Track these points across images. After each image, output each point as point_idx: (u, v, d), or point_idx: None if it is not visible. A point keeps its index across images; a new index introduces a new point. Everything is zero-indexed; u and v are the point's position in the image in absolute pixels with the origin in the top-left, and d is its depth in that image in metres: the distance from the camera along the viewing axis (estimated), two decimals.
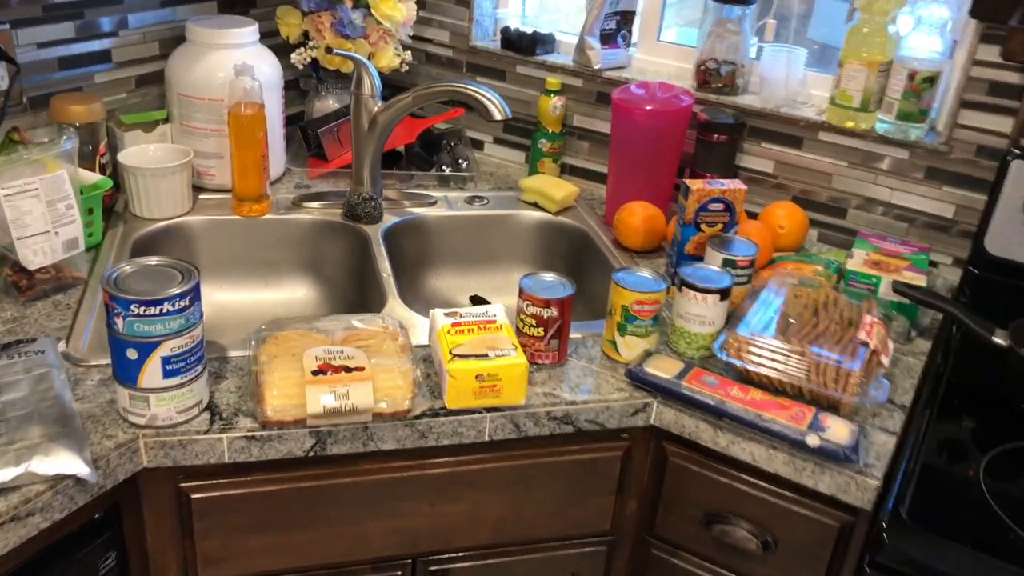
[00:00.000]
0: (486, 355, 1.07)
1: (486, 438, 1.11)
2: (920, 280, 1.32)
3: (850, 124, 1.50)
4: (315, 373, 1.02)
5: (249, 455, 1.04)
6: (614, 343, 1.20)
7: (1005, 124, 1.39)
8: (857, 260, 1.37)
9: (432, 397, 1.09)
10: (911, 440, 1.10)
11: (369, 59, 1.68)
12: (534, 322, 1.15)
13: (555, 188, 1.67)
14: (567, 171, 1.82)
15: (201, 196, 1.57)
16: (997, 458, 1.09)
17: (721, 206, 1.34)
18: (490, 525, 1.19)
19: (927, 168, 1.48)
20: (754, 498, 1.14)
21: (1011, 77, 1.37)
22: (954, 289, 1.44)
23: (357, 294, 1.52)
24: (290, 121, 1.83)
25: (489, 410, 1.09)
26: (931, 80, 1.42)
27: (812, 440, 1.05)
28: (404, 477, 1.12)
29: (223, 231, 1.53)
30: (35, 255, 1.18)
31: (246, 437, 1.03)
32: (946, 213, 1.49)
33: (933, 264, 1.51)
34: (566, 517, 1.22)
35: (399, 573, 1.19)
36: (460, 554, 1.20)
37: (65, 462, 0.92)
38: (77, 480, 0.93)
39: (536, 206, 1.68)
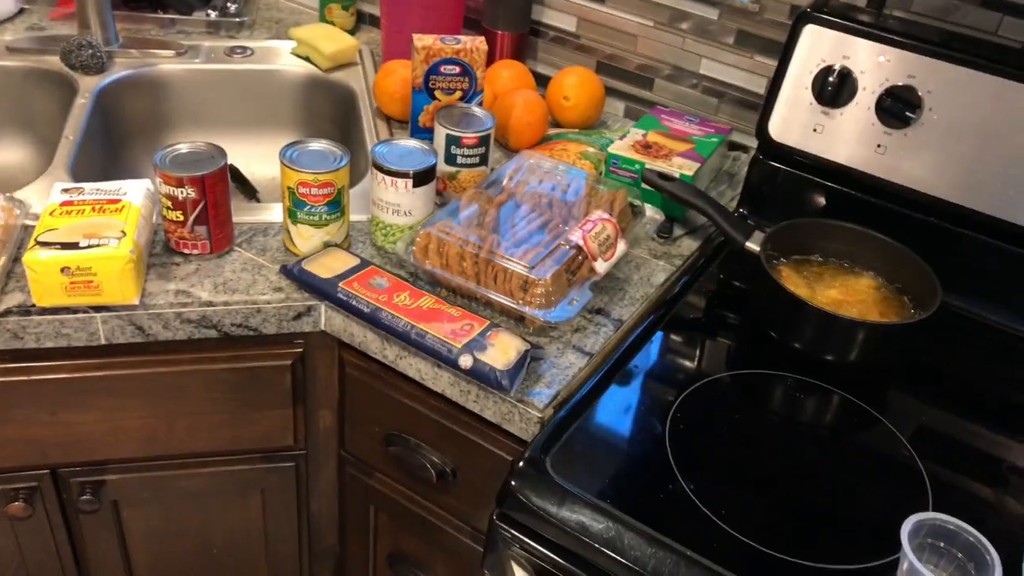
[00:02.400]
0: (76, 244, 0.87)
1: (103, 341, 0.93)
2: (691, 168, 1.10)
3: None
4: None
5: None
6: (288, 232, 1.00)
7: None
8: (626, 142, 1.15)
9: (25, 291, 0.90)
10: (605, 366, 0.92)
11: None
12: (170, 203, 0.95)
13: (328, 40, 1.42)
14: (365, 21, 1.57)
15: None
16: (697, 392, 0.91)
17: (456, 69, 1.11)
18: (137, 437, 1.03)
19: (737, 32, 1.23)
20: (431, 420, 0.97)
21: None
22: None
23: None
24: None
25: (98, 309, 0.91)
26: None
27: (464, 360, 0.86)
28: (8, 382, 0.95)
29: None
30: None
31: None
32: (758, 88, 1.25)
33: (740, 148, 1.29)
34: (234, 430, 1.05)
35: (34, 484, 1.03)
36: (110, 466, 1.05)
37: None
38: None
39: (309, 60, 1.44)
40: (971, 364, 1.00)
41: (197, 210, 0.95)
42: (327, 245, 1.00)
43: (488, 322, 0.91)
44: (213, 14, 1.50)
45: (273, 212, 1.08)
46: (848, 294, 1.00)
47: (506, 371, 0.85)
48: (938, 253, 0.99)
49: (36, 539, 1.08)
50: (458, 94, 1.13)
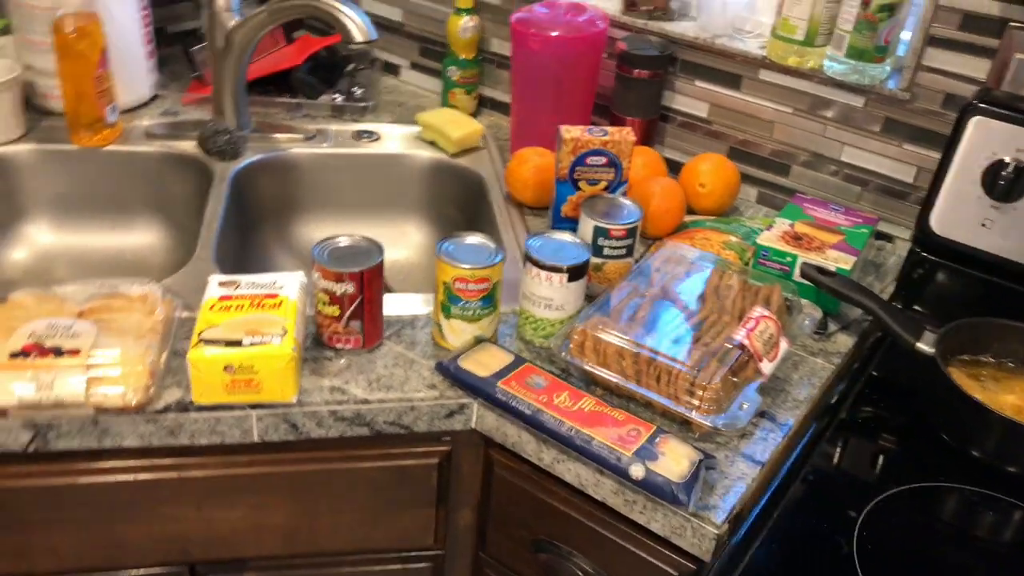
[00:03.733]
0: (240, 342, 0.86)
1: (255, 439, 0.91)
2: (847, 262, 1.06)
3: (793, 61, 1.22)
4: (15, 355, 0.83)
5: None
6: (439, 327, 0.98)
7: (979, 67, 1.09)
8: (774, 233, 1.11)
9: (184, 388, 0.89)
10: (780, 474, 0.87)
11: None
12: (327, 299, 0.94)
13: (454, 125, 1.43)
14: (486, 105, 1.58)
15: (45, 121, 1.38)
16: (879, 509, 0.85)
17: (603, 160, 1.09)
18: (278, 534, 1.00)
19: (885, 120, 1.19)
20: (586, 528, 0.93)
21: (990, 7, 1.07)
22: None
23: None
24: (177, 39, 1.61)
25: (255, 407, 0.89)
26: (890, 8, 1.12)
27: (636, 471, 0.82)
28: (161, 479, 0.94)
29: (56, 163, 1.33)
30: None
31: None
32: (905, 176, 1.21)
33: (887, 238, 1.24)
34: (376, 529, 1.02)
35: None
36: (249, 562, 1.02)
37: None
38: None
39: (434, 145, 1.45)
40: None
41: (354, 305, 0.93)
42: (478, 340, 0.97)
43: (654, 427, 0.86)
44: (339, 98, 1.52)
45: (414, 303, 1.06)
46: None
47: (682, 484, 0.80)
48: None
49: None
50: (603, 184, 1.11)
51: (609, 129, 1.09)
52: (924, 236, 1.07)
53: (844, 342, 1.06)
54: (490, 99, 1.57)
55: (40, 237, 1.35)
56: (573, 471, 0.89)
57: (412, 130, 1.48)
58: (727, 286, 1.02)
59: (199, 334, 0.87)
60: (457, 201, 1.42)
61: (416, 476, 0.99)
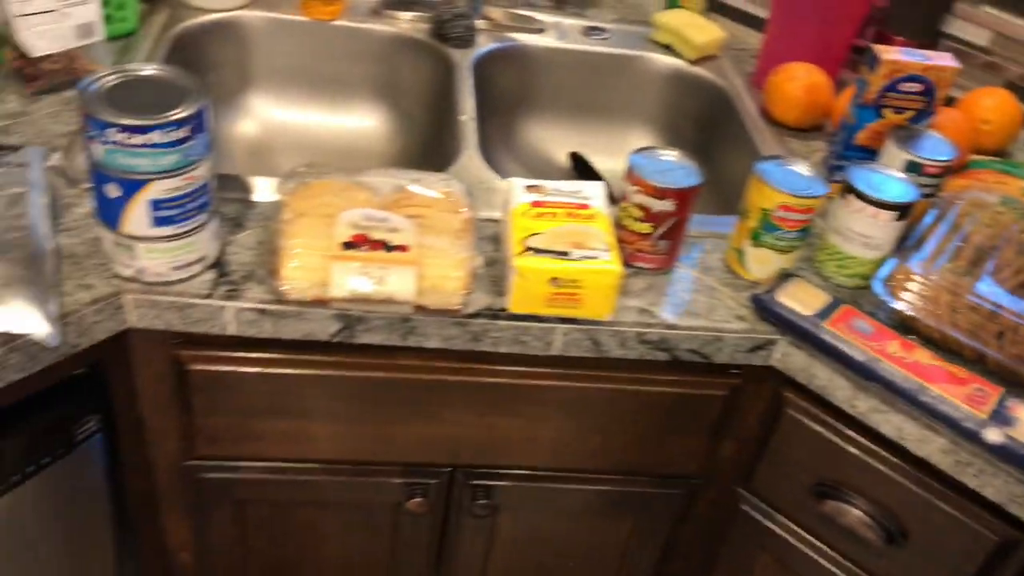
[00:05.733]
0: (567, 253, 0.81)
1: (554, 352, 0.87)
2: None
3: None
4: (346, 246, 0.79)
5: (260, 330, 0.83)
6: (741, 254, 0.92)
7: None
8: None
9: (494, 293, 0.85)
10: None
11: None
12: (641, 214, 0.88)
13: (696, 30, 1.33)
14: (715, 9, 1.47)
15: None
16: None
17: (918, 87, 1.00)
18: (547, 447, 0.97)
19: None
20: (887, 478, 0.88)
21: None
22: None
23: (434, 135, 1.25)
24: None
25: (563, 320, 0.85)
26: None
27: (993, 435, 0.77)
28: (450, 381, 0.91)
29: (286, 34, 1.27)
30: (39, 39, 0.96)
31: (257, 310, 0.82)
32: None
33: None
34: (642, 453, 0.99)
35: (430, 482, 1.00)
36: (508, 471, 1.00)
37: (19, 317, 0.72)
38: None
39: (669, 49, 1.35)
40: None
41: (668, 224, 0.87)
42: (784, 275, 0.91)
43: (1001, 389, 0.81)
44: None
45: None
46: None
47: None
48: None
49: (416, 533, 1.04)
50: (909, 114, 1.02)
51: (930, 54, 1.00)
52: None
53: None
54: (720, 3, 1.46)
55: (264, 110, 1.30)
56: (894, 423, 0.84)
57: (639, 30, 1.38)
58: None
59: (522, 241, 0.82)
60: (693, 114, 1.33)
61: (698, 405, 0.95)
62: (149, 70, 0.76)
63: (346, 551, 1.07)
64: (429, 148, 1.25)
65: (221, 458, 0.94)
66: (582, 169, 1.33)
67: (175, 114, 0.71)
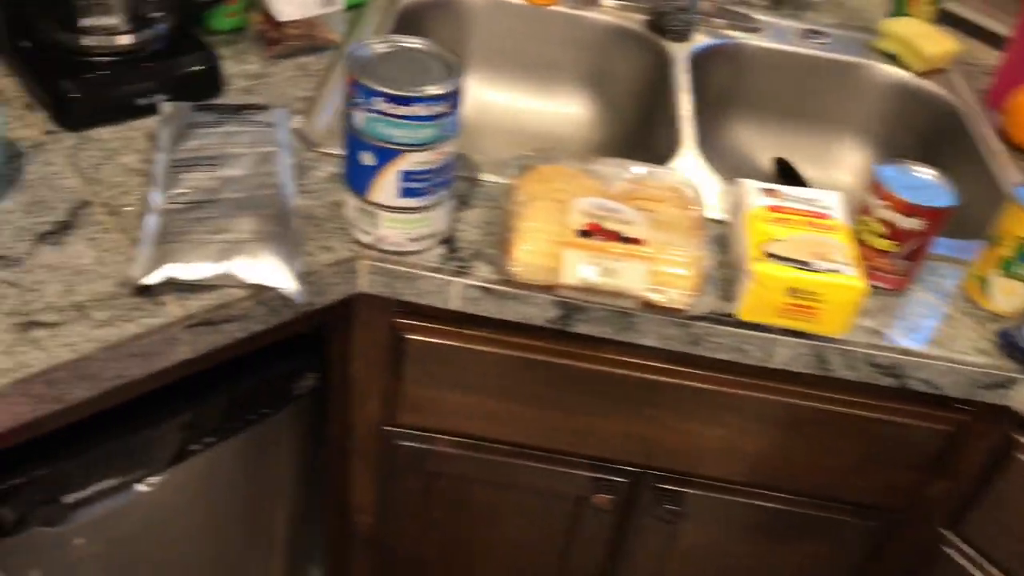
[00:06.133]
0: (808, 264, 0.77)
1: (775, 364, 0.84)
2: None
3: None
4: (581, 234, 0.78)
5: (480, 308, 0.84)
6: (985, 283, 0.86)
7: None
8: None
9: (719, 297, 0.83)
10: None
11: None
12: (884, 230, 0.83)
13: (927, 40, 1.25)
14: (945, 20, 1.38)
15: None
16: None
17: None
18: (746, 462, 0.94)
19: None
20: None
21: None
22: None
23: (641, 129, 1.23)
24: None
25: (788, 332, 0.81)
26: None
27: None
28: (658, 382, 0.89)
29: (504, 16, 1.27)
30: (287, 4, 1.00)
31: (482, 288, 0.82)
32: None
33: None
34: (846, 479, 0.94)
35: (619, 480, 0.98)
36: (701, 481, 0.98)
37: (271, 272, 0.75)
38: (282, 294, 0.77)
39: (894, 59, 1.28)
40: None
41: (913, 244, 0.82)
42: None
43: None
44: None
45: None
46: None
47: None
48: None
49: (596, 529, 1.03)
50: None
51: None
52: None
53: None
54: (952, 14, 1.37)
55: (475, 90, 1.31)
56: None
57: (859, 36, 1.31)
58: None
59: (759, 246, 0.79)
60: (915, 128, 1.26)
61: (918, 437, 0.90)
62: (413, 42, 0.77)
63: (520, 536, 1.07)
64: (634, 141, 1.23)
65: (420, 428, 0.96)
66: (787, 176, 1.28)
67: (437, 88, 0.72)
